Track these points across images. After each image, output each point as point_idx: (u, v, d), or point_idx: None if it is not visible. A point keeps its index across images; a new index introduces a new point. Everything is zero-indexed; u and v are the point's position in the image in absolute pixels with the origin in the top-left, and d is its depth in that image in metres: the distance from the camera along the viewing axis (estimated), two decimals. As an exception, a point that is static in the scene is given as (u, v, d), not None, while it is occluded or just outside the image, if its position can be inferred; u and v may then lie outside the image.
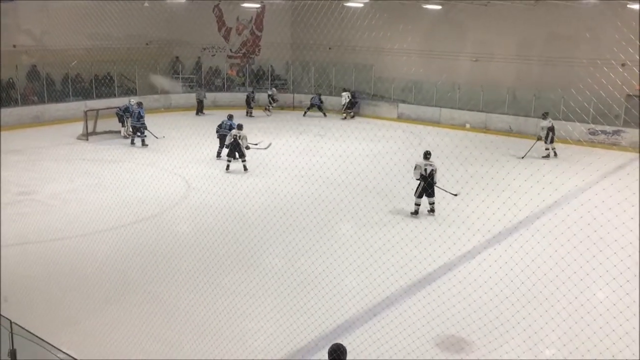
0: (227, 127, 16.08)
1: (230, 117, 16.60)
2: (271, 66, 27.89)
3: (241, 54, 28.71)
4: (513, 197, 10.75)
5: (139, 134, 17.98)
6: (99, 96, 22.53)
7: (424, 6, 23.42)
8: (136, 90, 24.18)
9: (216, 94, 26.34)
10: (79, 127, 19.15)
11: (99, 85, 22.96)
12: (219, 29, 28.11)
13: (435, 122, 23.34)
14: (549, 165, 15.78)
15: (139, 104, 18.17)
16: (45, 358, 5.21)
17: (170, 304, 8.16)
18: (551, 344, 7.13)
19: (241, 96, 26.72)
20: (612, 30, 14.72)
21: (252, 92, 24.90)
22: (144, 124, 17.96)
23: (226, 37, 28.34)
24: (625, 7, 17.64)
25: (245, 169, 15.41)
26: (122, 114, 19.10)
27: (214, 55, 28.00)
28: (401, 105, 24.62)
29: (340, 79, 26.29)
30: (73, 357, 5.10)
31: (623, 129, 19.19)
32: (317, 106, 24.62)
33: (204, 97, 24.38)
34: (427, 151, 12.26)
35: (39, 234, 10.51)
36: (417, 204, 12.15)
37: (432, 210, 12.21)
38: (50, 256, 9.54)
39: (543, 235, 10.73)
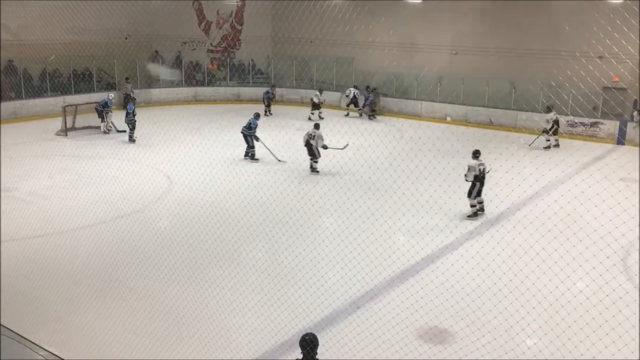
0: (247, 127, 15.91)
1: (257, 116, 16.12)
2: (252, 60, 27.77)
3: (222, 48, 28.55)
4: (494, 188, 10.85)
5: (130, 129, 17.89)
6: (78, 91, 22.23)
7: (404, -1, 23.50)
8: (115, 85, 23.93)
9: (197, 88, 26.19)
10: (57, 123, 18.92)
11: (78, 80, 22.64)
12: (199, 23, 27.92)
13: (417, 116, 23.46)
14: (529, 157, 15.92)
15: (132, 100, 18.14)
16: (27, 357, 5.15)
17: (154, 299, 8.11)
18: (532, 333, 7.23)
19: (223, 90, 26.64)
20: (591, 23, 14.87)
21: (272, 89, 24.45)
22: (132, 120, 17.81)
23: (206, 31, 28.16)
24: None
25: (313, 169, 14.87)
26: (102, 109, 18.90)
27: (194, 49, 27.83)
28: (382, 98, 24.67)
29: (322, 73, 26.30)
30: (56, 355, 5.05)
31: (601, 120, 19.47)
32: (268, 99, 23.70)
33: (132, 92, 23.59)
34: (476, 150, 11.87)
35: (18, 232, 10.36)
36: (474, 205, 11.80)
37: (482, 210, 11.96)
38: (30, 254, 9.42)
39: (524, 226, 10.85)
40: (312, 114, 22.72)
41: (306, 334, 4.64)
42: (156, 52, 26.15)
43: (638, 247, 10.17)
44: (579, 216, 11.03)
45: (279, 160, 15.37)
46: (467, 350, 6.67)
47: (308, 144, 14.80)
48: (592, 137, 19.52)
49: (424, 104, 23.57)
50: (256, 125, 15.60)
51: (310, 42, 26.49)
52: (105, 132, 18.82)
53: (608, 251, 9.61)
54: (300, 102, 26.12)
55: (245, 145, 16.04)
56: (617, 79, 17.92)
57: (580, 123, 19.75)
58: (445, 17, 23.17)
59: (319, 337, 4.71)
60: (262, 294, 8.19)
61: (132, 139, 17.85)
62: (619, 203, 10.41)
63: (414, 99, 23.88)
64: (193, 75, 26.93)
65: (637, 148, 17.89)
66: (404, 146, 15.09)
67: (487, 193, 11.09)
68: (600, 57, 16.74)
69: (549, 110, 18.15)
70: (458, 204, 11.40)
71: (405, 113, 23.63)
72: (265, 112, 23.49)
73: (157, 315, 7.67)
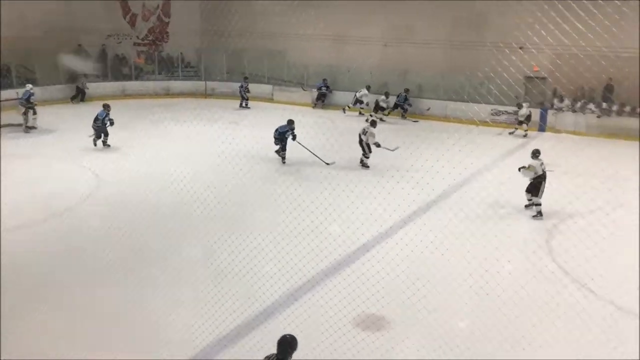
0: (281, 130, 15.05)
1: (290, 122, 15.01)
2: (181, 53, 27.17)
3: (149, 41, 27.77)
4: (426, 177, 11.09)
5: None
6: (-5, 88, 21.05)
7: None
8: (36, 80, 22.81)
9: (125, 82, 25.37)
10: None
11: (-5, 77, 21.44)
12: (124, 16, 27.02)
13: (325, 104, 23.70)
14: (458, 145, 16.36)
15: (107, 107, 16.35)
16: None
17: (85, 300, 7.81)
18: (465, 316, 7.45)
19: (151, 85, 25.92)
20: (512, 14, 15.40)
21: (245, 82, 23.90)
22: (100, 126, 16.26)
23: (132, 24, 27.29)
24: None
25: (363, 164, 14.76)
26: (28, 104, 17.97)
27: (119, 42, 26.92)
28: (314, 91, 24.71)
29: (254, 66, 26.06)
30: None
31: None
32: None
33: (86, 86, 23.38)
34: (536, 150, 11.72)
35: None
36: (539, 204, 11.40)
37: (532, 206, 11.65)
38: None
39: (455, 212, 11.16)
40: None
41: (286, 335, 4.80)
42: (79, 45, 25.10)
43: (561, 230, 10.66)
44: (506, 201, 11.48)
45: (327, 164, 14.51)
46: (403, 336, 6.81)
47: (360, 139, 14.81)
48: (516, 125, 20.26)
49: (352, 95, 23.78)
50: (287, 132, 14.91)
51: (241, 35, 26.19)
52: (26, 130, 17.90)
53: (534, 234, 10.06)
54: (232, 96, 25.80)
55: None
56: (537, 69, 18.69)
57: (504, 112, 20.48)
58: (376, 9, 23.38)
59: (256, 330, 4.68)
60: (197, 290, 8.03)
61: (97, 143, 16.34)
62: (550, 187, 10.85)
63: (347, 91, 24.03)
64: (119, 70, 26.06)
65: (560, 135, 18.76)
66: (337, 137, 15.16)
67: (419, 181, 11.31)
68: (522, 48, 17.38)
69: (520, 106, 19.10)
70: (392, 193, 11.57)
71: (339, 105, 23.74)
72: (242, 104, 23.35)
73: (90, 316, 7.38)
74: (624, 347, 6.57)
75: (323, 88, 23.97)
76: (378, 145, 14.51)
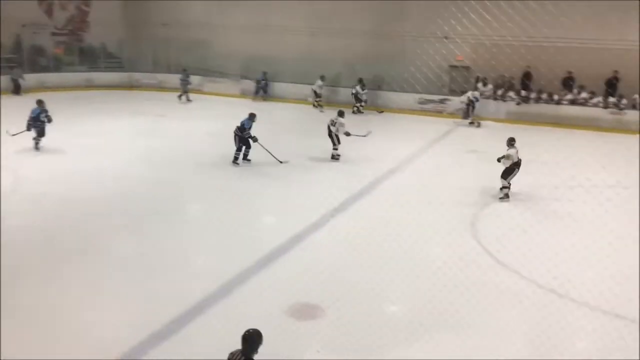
0: (241, 126, 13.68)
1: (252, 116, 13.80)
2: (103, 44, 26.18)
3: (68, 31, 26.56)
4: (355, 166, 11.22)
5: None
6: None
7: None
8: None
9: (43, 74, 24.18)
10: None
11: None
12: (40, 4, 25.70)
13: (279, 97, 23.56)
14: (385, 135, 16.67)
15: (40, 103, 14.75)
16: None
17: (7, 303, 7.40)
18: (396, 299, 7.60)
19: (72, 76, 24.85)
20: (437, 3, 15.76)
21: (185, 73, 23.06)
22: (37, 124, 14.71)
23: (49, 13, 26.00)
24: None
25: (333, 156, 14.12)
26: None
27: (35, 32, 25.58)
28: (244, 81, 24.47)
29: (180, 57, 25.48)
30: None
31: (448, 97, 20.85)
32: None
33: (22, 77, 22.28)
34: (512, 138, 11.73)
35: None
36: (507, 187, 11.59)
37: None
38: None
39: (385, 199, 11.37)
40: None
41: (251, 329, 4.64)
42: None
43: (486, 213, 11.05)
44: (434, 186, 11.79)
45: (281, 162, 13.68)
46: (338, 323, 6.86)
47: (329, 130, 14.23)
48: (441, 113, 20.84)
49: (286, 85, 23.74)
50: (250, 127, 13.76)
51: (164, 24, 25.58)
52: None
53: (459, 217, 10.39)
54: (159, 87, 25.16)
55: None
56: (461, 58, 19.27)
57: (430, 100, 21.01)
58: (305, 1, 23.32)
59: (188, 326, 4.59)
60: (127, 287, 7.78)
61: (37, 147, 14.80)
62: (468, 172, 11.20)
63: (275, 81, 23.94)
64: (37, 61, 24.80)
65: (482, 122, 19.41)
66: (270, 128, 15.06)
67: (349, 170, 11.44)
68: (446, 37, 17.87)
69: (462, 93, 19.57)
70: (323, 182, 11.65)
71: (279, 97, 23.61)
72: (181, 96, 22.59)
73: (12, 319, 7.00)
74: (547, 323, 6.91)
75: (262, 81, 23.62)
76: (348, 134, 14.15)
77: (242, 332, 5.53)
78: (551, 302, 7.48)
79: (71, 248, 8.90)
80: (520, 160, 11.50)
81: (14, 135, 13.97)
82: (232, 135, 13.48)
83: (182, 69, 23.41)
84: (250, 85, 24.21)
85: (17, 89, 22.11)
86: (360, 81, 21.50)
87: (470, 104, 19.18)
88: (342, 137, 13.94)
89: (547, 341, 6.49)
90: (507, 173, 11.45)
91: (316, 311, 7.28)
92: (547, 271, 8.13)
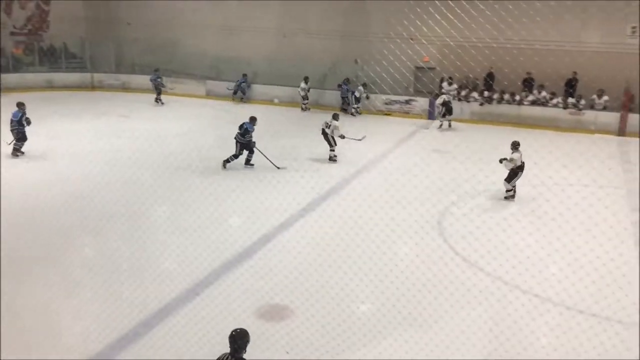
0: (242, 131, 13.21)
1: (252, 120, 13.42)
2: (64, 43, 25.61)
3: (27, 31, 25.90)
4: (324, 166, 11.24)
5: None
6: None
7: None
8: None
9: (1, 75, 23.48)
10: None
11: None
12: (-3, 2, 25.05)
13: (245, 98, 23.41)
14: (353, 135, 16.74)
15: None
16: None
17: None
18: (365, 298, 7.64)
19: (32, 77, 24.23)
20: (402, 5, 15.88)
21: (157, 73, 22.48)
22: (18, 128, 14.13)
23: (7, 12, 25.30)
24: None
25: (330, 158, 14.10)
26: None
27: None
28: (209, 82, 24.24)
29: (145, 57, 25.11)
30: None
31: (414, 98, 21.04)
32: None
33: None
34: (516, 142, 11.68)
35: None
36: (510, 190, 11.69)
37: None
38: None
39: (353, 199, 11.42)
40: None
41: (238, 329, 4.55)
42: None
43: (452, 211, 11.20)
44: (401, 186, 11.89)
45: (278, 167, 13.28)
46: (307, 324, 6.86)
47: (324, 133, 14.16)
48: (407, 114, 21.02)
49: (253, 87, 23.61)
50: (253, 130, 13.45)
51: (129, 23, 25.19)
52: None
53: (427, 216, 10.51)
54: (122, 88, 24.75)
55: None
56: (427, 59, 19.48)
57: (396, 101, 21.16)
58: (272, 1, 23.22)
59: (155, 329, 4.52)
60: (92, 292, 7.62)
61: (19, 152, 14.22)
62: (434, 172, 11.33)
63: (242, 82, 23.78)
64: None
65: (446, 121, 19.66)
66: (233, 129, 14.92)
67: (317, 170, 11.45)
68: (412, 39, 18.05)
69: (437, 95, 19.55)
70: (290, 182, 11.64)
71: (257, 99, 23.44)
72: (157, 100, 22.04)
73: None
74: (512, 319, 7.04)
75: (243, 84, 23.20)
76: (343, 137, 14.12)
77: (210, 334, 5.48)
78: (516, 299, 7.63)
79: (32, 255, 8.67)
80: (524, 163, 11.59)
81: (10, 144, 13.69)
82: (215, 139, 13.42)
83: (154, 69, 22.92)
84: (217, 86, 23.98)
85: None
86: (347, 82, 21.40)
87: (445, 105, 19.28)
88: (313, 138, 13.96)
89: (512, 337, 6.62)
90: (511, 177, 11.58)
91: (286, 312, 7.27)
92: (512, 267, 8.29)
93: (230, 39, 24.04)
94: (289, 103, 22.39)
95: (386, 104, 20.88)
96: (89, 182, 11.93)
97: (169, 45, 25.04)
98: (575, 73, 19.44)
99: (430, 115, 20.60)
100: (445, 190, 12.09)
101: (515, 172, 11.56)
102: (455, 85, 20.86)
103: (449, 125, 19.09)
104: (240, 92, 23.25)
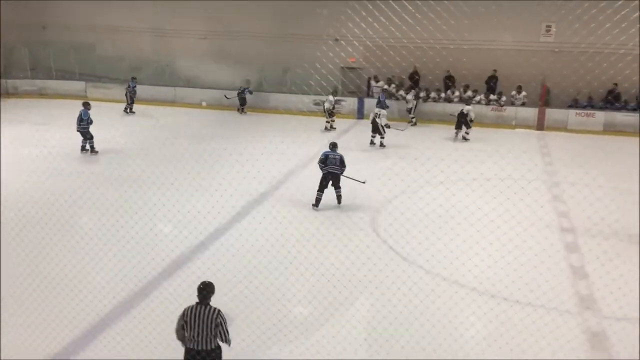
0: (334, 162, 11.17)
1: (334, 146, 11.47)
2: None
3: None
4: (252, 170, 11.23)
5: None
6: None
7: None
8: None
9: None
10: None
11: None
12: None
13: (170, 102, 23.02)
14: (281, 137, 16.82)
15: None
16: None
17: None
18: (302, 299, 7.74)
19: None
20: (331, 6, 16.06)
21: (133, 83, 21.40)
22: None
23: None
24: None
25: (381, 144, 16.43)
26: None
27: None
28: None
29: (62, 62, 24.17)
30: None
31: (343, 98, 21.31)
32: None
33: None
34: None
35: None
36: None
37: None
38: None
39: (284, 202, 11.50)
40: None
41: (203, 282, 5.49)
42: None
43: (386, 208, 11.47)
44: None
45: (363, 182, 11.83)
46: (243, 326, 6.89)
47: (374, 122, 16.25)
48: (338, 114, 21.22)
49: (178, 90, 23.22)
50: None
51: (44, 27, 24.18)
52: None
53: (367, 219, 10.71)
54: (39, 94, 23.72)
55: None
56: (353, 59, 19.81)
57: (324, 101, 21.32)
58: (194, 3, 22.86)
59: (89, 349, 4.45)
60: (23, 308, 7.29)
61: (92, 149, 14.95)
62: (365, 172, 11.50)
63: (167, 85, 23.33)
64: None
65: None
66: (157, 134, 14.68)
67: (248, 173, 11.41)
68: (337, 40, 18.32)
69: (351, 94, 19.95)
70: (219, 190, 11.52)
71: (158, 100, 22.97)
72: (126, 109, 21.09)
73: None
74: (441, 313, 7.34)
75: (246, 91, 21.74)
76: (388, 127, 16.22)
77: (148, 347, 5.42)
78: (449, 290, 7.97)
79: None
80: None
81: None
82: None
83: (131, 77, 21.72)
84: (137, 89, 23.30)
85: None
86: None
87: (463, 116, 18.69)
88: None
89: (443, 330, 6.92)
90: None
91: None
92: (437, 262, 8.62)
93: (156, 42, 23.56)
94: (216, 106, 22.19)
95: (315, 104, 20.99)
96: (5, 192, 11.40)
97: (88, 49, 24.25)
98: (495, 70, 20.35)
99: (359, 115, 20.91)
100: (378, 189, 12.17)
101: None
102: (382, 82, 21.33)
103: (464, 138, 17.87)
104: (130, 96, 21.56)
